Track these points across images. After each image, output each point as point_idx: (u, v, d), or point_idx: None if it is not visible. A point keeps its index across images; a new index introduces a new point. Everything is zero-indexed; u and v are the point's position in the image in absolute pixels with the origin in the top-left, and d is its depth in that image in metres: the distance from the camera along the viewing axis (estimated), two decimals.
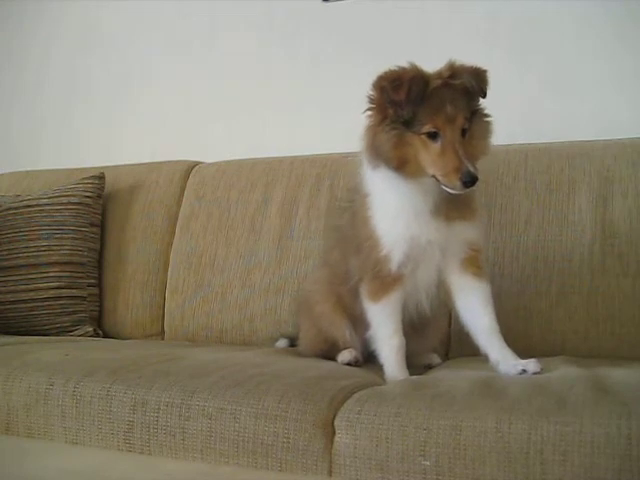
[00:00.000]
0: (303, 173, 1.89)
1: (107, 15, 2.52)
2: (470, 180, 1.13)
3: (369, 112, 1.22)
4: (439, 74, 1.18)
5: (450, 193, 1.17)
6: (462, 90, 1.18)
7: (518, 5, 1.94)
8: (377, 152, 1.20)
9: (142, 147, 2.37)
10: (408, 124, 1.16)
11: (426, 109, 1.15)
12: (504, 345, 1.24)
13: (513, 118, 1.82)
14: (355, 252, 1.33)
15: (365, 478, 1.02)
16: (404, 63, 1.18)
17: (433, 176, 1.17)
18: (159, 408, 1.16)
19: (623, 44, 1.83)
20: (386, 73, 1.18)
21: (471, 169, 1.13)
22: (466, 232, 1.26)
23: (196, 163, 2.12)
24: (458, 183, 1.14)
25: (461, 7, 1.98)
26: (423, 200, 1.23)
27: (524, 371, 1.17)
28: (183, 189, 2.05)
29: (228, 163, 2.04)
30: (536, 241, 1.59)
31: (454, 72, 1.18)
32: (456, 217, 1.24)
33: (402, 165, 1.19)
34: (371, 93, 1.21)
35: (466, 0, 1.98)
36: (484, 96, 1.21)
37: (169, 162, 2.15)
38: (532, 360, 1.19)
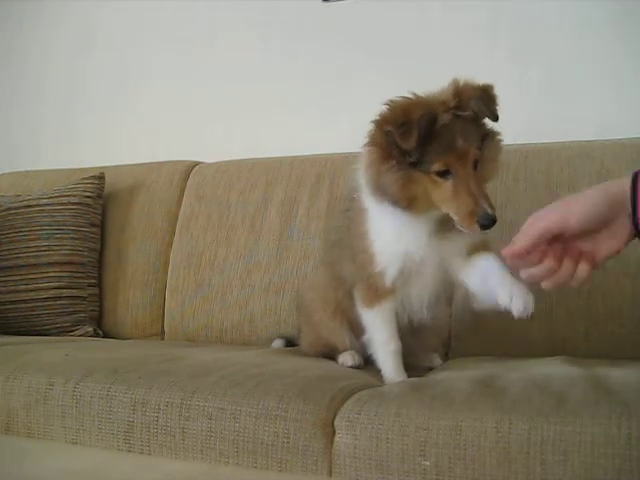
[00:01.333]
0: (303, 173, 1.89)
1: (107, 15, 2.52)
2: (488, 223, 1.07)
3: (369, 148, 1.15)
4: (445, 103, 1.10)
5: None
6: (472, 119, 1.11)
7: (518, 5, 1.93)
8: (383, 192, 1.14)
9: (142, 147, 2.37)
10: (415, 164, 1.10)
11: (435, 147, 1.08)
12: (514, 281, 1.11)
13: (513, 118, 1.81)
14: (350, 260, 1.32)
15: (365, 478, 1.02)
16: (406, 93, 1.10)
17: (448, 214, 1.11)
18: (159, 408, 1.16)
19: (623, 44, 1.83)
20: (390, 112, 1.11)
21: (488, 211, 1.07)
22: (465, 239, 1.20)
23: (196, 163, 2.12)
24: (475, 226, 1.08)
25: (461, 7, 1.98)
26: (425, 225, 1.18)
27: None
28: (183, 189, 2.05)
29: (228, 163, 2.04)
30: None
31: (460, 98, 1.10)
32: (454, 228, 1.17)
33: (411, 203, 1.13)
34: (372, 132, 1.14)
35: (466, 0, 1.98)
36: (495, 119, 1.14)
37: (169, 162, 2.15)
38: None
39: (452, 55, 1.92)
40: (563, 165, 1.63)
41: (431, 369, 1.40)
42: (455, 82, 1.13)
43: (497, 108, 1.14)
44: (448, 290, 1.34)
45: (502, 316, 1.33)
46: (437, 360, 1.45)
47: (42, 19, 2.63)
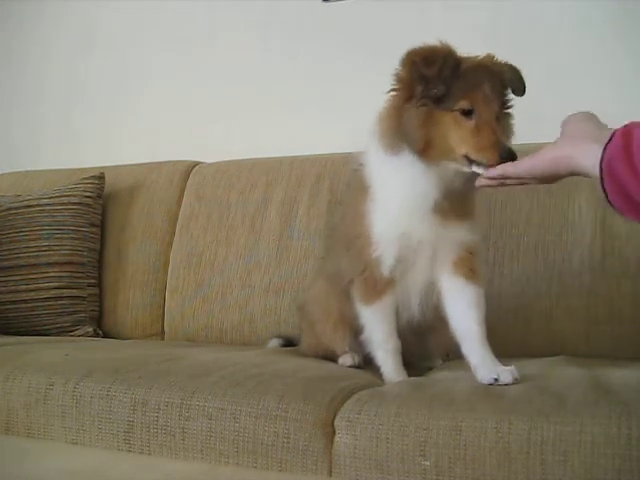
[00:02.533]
0: (303, 173, 1.89)
1: (107, 15, 2.52)
2: (509, 156, 1.06)
3: (394, 92, 1.15)
4: (474, 58, 1.13)
5: (475, 172, 1.10)
6: (499, 79, 1.13)
7: (518, 5, 1.94)
8: (401, 132, 1.13)
9: (142, 147, 2.37)
10: (439, 101, 1.10)
11: (461, 84, 1.09)
12: (486, 350, 1.16)
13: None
14: (346, 250, 1.30)
15: (365, 478, 1.02)
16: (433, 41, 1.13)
17: (464, 156, 1.10)
18: (159, 408, 1.16)
19: (623, 44, 1.83)
20: (417, 48, 1.12)
21: (510, 147, 1.07)
22: (461, 233, 1.21)
23: (196, 163, 2.12)
24: (497, 158, 1.06)
25: (461, 7, 1.98)
26: (431, 192, 1.16)
27: (496, 380, 1.09)
28: (183, 189, 2.05)
29: (228, 163, 2.04)
30: (536, 241, 1.59)
31: (493, 62, 1.14)
32: (453, 217, 1.18)
33: (427, 148, 1.12)
34: (398, 69, 1.14)
35: (466, 0, 1.98)
36: (522, 93, 1.16)
37: (169, 162, 2.15)
38: (509, 368, 1.11)
39: None
40: None
41: (431, 369, 1.40)
42: (490, 54, 1.16)
43: (524, 86, 1.16)
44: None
45: (502, 316, 1.33)
46: (437, 360, 1.45)
47: (42, 19, 2.63)
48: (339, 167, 1.84)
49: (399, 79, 1.15)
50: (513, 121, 1.19)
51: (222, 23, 2.33)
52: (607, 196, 0.92)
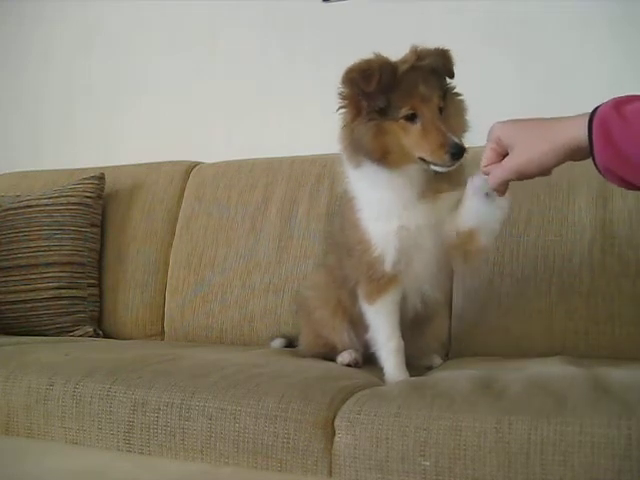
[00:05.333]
0: (303, 173, 1.89)
1: (107, 15, 2.52)
2: (458, 151, 1.11)
3: (342, 110, 1.20)
4: (405, 60, 1.17)
5: (439, 172, 1.15)
6: (431, 71, 1.17)
7: (518, 5, 1.93)
8: (357, 147, 1.18)
9: (142, 147, 2.37)
10: (384, 113, 1.15)
11: (399, 93, 1.15)
12: None
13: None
14: (347, 256, 1.33)
15: (365, 478, 1.02)
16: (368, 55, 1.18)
17: (420, 158, 1.15)
18: (159, 408, 1.17)
19: (623, 44, 1.83)
20: (353, 65, 1.18)
21: (457, 140, 1.12)
22: (454, 197, 1.21)
23: (196, 163, 2.12)
24: (446, 157, 1.12)
25: (461, 7, 1.98)
26: (410, 189, 1.20)
27: None
28: (183, 189, 2.05)
29: (228, 163, 2.04)
30: (536, 241, 1.59)
31: (419, 55, 1.17)
32: (444, 190, 1.21)
33: (385, 156, 1.17)
34: (341, 89, 1.19)
35: (466, 0, 1.98)
36: (452, 76, 1.21)
37: (169, 162, 2.15)
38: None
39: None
40: (563, 165, 1.62)
41: (431, 369, 1.40)
42: (414, 46, 1.20)
43: (453, 67, 1.20)
44: (449, 266, 1.33)
45: (502, 316, 1.33)
46: (437, 360, 1.45)
47: (42, 19, 2.63)
48: (339, 167, 1.83)
49: (344, 97, 1.20)
50: (461, 97, 1.22)
51: (222, 23, 2.33)
52: (595, 160, 0.96)
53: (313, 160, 1.91)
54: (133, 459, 1.11)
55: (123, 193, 2.11)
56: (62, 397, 1.24)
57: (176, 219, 2.02)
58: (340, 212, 1.37)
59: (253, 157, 2.04)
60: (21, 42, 2.67)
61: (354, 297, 1.32)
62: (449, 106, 1.19)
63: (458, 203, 1.20)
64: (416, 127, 1.15)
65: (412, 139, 1.15)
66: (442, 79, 1.20)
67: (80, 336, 1.92)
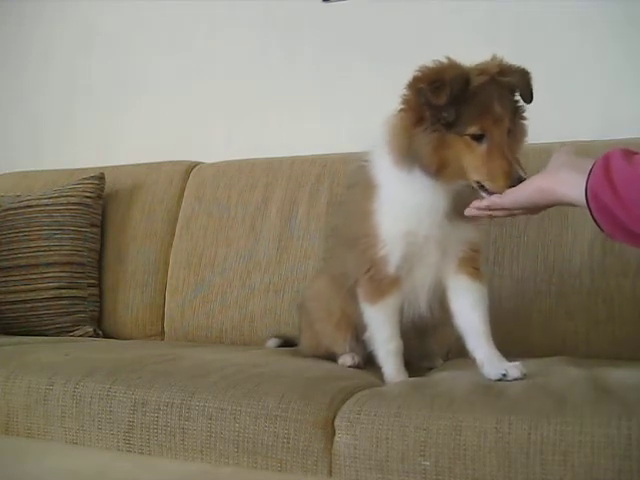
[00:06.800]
0: (303, 173, 1.89)
1: (107, 15, 2.52)
2: (518, 184, 1.06)
3: (402, 112, 1.14)
4: (484, 70, 1.11)
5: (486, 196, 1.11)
6: (509, 89, 1.12)
7: (519, 5, 1.93)
8: (413, 155, 1.12)
9: (142, 147, 2.37)
10: (449, 125, 1.09)
11: (471, 108, 1.08)
12: (492, 347, 1.17)
13: None
14: (349, 248, 1.29)
15: (365, 478, 1.02)
16: (441, 58, 1.11)
17: (477, 182, 1.10)
18: (159, 408, 1.17)
19: (623, 44, 1.83)
20: (423, 73, 1.11)
21: (522, 174, 1.06)
22: (467, 231, 1.21)
23: (196, 163, 2.12)
24: (505, 187, 1.06)
25: (461, 7, 1.98)
26: (443, 202, 1.17)
27: (504, 376, 1.11)
28: (183, 189, 2.05)
29: (228, 163, 2.04)
30: (536, 241, 1.59)
31: (501, 70, 1.12)
32: (460, 215, 1.17)
33: (441, 170, 1.12)
34: (405, 94, 1.13)
35: (466, 0, 1.98)
36: (530, 100, 1.15)
37: (169, 162, 2.15)
38: (516, 364, 1.13)
39: (452, 55, 1.92)
40: None
41: (431, 369, 1.40)
42: (497, 57, 1.15)
43: (533, 92, 1.15)
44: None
45: (502, 316, 1.33)
46: (437, 360, 1.45)
47: (42, 19, 2.63)
48: (339, 167, 1.84)
49: (407, 102, 1.14)
50: (526, 121, 1.18)
51: (222, 23, 2.33)
52: (596, 222, 0.95)
53: (313, 160, 1.91)
54: (133, 459, 1.12)
55: (123, 193, 2.11)
56: (62, 397, 1.24)
57: (176, 219, 2.02)
58: (348, 200, 1.32)
59: (253, 157, 2.04)
60: (21, 42, 2.67)
61: (354, 297, 1.29)
62: (516, 129, 1.14)
63: (469, 229, 1.21)
64: (482, 148, 1.09)
65: (474, 160, 1.09)
66: (516, 99, 1.15)
67: (80, 336, 1.92)
